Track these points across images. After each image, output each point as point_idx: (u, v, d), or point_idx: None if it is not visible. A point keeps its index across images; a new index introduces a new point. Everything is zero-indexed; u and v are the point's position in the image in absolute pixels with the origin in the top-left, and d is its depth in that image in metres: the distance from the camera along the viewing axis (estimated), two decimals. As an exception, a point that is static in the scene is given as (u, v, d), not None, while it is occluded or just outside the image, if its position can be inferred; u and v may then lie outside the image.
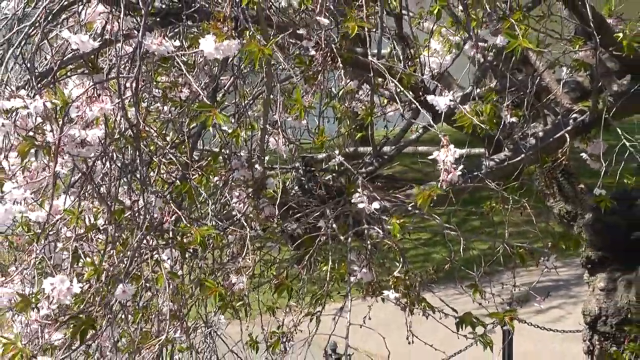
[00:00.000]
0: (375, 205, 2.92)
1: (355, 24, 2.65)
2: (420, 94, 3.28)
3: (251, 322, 3.67)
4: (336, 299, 3.47)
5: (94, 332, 2.72)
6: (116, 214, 2.81)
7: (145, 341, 3.03)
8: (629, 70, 3.79)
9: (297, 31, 2.90)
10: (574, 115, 3.63)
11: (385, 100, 4.24)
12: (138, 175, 2.84)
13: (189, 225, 2.82)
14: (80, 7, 2.69)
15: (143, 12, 2.62)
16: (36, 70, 2.66)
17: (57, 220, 2.66)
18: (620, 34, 3.58)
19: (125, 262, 2.80)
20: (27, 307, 2.45)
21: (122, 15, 2.65)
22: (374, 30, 3.12)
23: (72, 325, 2.63)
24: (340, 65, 2.83)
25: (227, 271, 3.23)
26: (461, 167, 2.72)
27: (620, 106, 3.64)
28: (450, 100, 2.97)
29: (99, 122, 2.52)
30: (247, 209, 3.20)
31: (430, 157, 2.76)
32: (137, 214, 2.83)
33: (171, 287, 2.87)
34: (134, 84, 2.65)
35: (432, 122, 3.05)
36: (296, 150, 3.48)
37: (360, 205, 2.95)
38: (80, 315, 2.64)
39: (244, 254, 3.13)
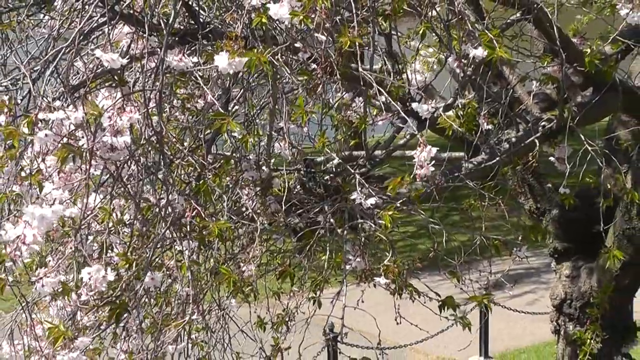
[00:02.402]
0: (371, 200, 2.92)
1: (348, 39, 2.65)
2: (407, 104, 3.29)
3: (259, 305, 3.67)
4: (333, 285, 3.47)
5: (127, 314, 2.73)
6: (141, 210, 2.82)
7: (166, 322, 3.03)
8: (590, 84, 3.80)
9: (296, 45, 2.90)
10: (543, 123, 3.63)
11: (376, 110, 4.24)
12: (160, 176, 2.84)
13: (205, 219, 2.82)
14: (109, 28, 2.68)
15: (165, 32, 2.63)
16: (70, 84, 2.66)
17: (89, 216, 2.66)
18: (586, 51, 3.59)
19: (149, 253, 2.80)
20: (68, 293, 2.45)
21: (146, 35, 2.66)
22: (367, 48, 3.12)
23: (109, 309, 2.63)
24: (338, 78, 2.83)
25: (237, 260, 3.23)
26: (441, 168, 2.73)
27: (583, 115, 3.64)
28: (432, 107, 2.98)
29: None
30: (256, 206, 3.20)
31: (409, 154, 2.77)
32: (159, 210, 2.83)
33: (190, 274, 2.87)
34: (156, 96, 2.65)
35: (417, 129, 3.06)
36: (298, 154, 3.48)
37: (358, 201, 2.95)
38: (116, 300, 2.64)
39: (252, 245, 3.13)
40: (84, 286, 2.45)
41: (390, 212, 2.88)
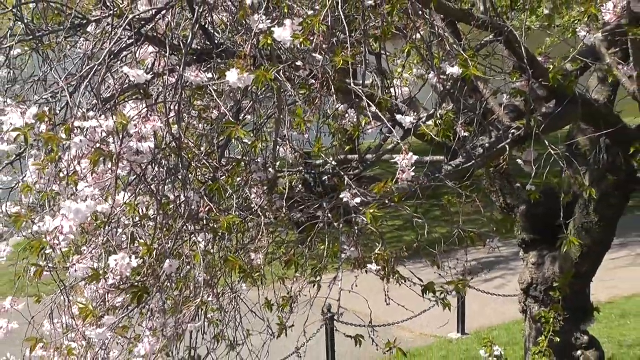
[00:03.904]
0: (357, 200, 2.92)
1: (342, 59, 2.65)
2: (395, 114, 3.28)
3: (266, 288, 3.66)
4: (331, 271, 3.46)
5: (147, 297, 2.72)
6: (163, 206, 2.81)
7: (185, 304, 3.03)
8: (554, 97, 3.80)
9: (297, 63, 2.90)
10: (512, 131, 3.63)
11: (367, 120, 4.24)
12: (180, 177, 2.84)
13: (218, 214, 2.82)
14: (136, 48, 2.68)
15: (184, 52, 2.63)
16: (101, 97, 2.66)
17: (118, 211, 2.66)
18: (550, 68, 3.59)
19: (170, 243, 2.80)
20: (97, 278, 2.45)
21: (167, 55, 2.65)
22: (359, 65, 3.12)
23: (131, 292, 2.63)
24: (334, 92, 2.83)
25: (247, 250, 3.23)
26: (424, 170, 2.73)
27: (548, 124, 3.64)
28: (414, 119, 2.98)
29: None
30: (263, 202, 3.20)
31: (396, 158, 2.77)
32: (179, 206, 2.83)
33: (205, 262, 2.86)
34: (176, 107, 2.65)
35: (402, 137, 3.06)
36: (300, 157, 3.47)
37: (345, 200, 2.95)
38: (137, 284, 2.64)
39: (260, 237, 3.13)
40: (111, 271, 2.44)
41: (371, 210, 2.88)
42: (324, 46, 2.55)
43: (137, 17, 2.66)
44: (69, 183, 2.43)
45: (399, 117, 2.98)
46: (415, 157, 2.70)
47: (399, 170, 2.69)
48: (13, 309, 2.84)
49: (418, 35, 3.22)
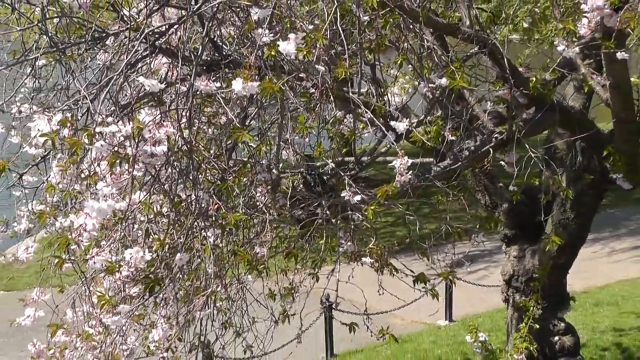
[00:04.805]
0: (357, 197, 2.93)
1: (343, 70, 2.65)
2: (388, 120, 3.29)
3: (270, 279, 3.67)
4: (329, 263, 3.46)
5: (160, 287, 2.72)
6: (175, 204, 2.81)
7: (196, 294, 3.03)
8: (533, 104, 3.80)
9: (300, 75, 2.90)
10: (496, 135, 3.63)
11: (363, 125, 4.25)
12: (190, 177, 2.84)
13: (226, 212, 2.82)
14: (150, 59, 2.69)
15: (194, 62, 2.63)
16: (119, 104, 2.66)
17: (134, 209, 2.67)
18: (530, 78, 3.59)
19: (182, 238, 2.80)
20: (113, 270, 2.45)
21: (179, 65, 2.66)
22: (356, 75, 3.12)
23: (145, 283, 2.63)
24: (332, 99, 2.84)
25: (253, 244, 3.23)
26: (415, 171, 2.74)
27: (528, 129, 3.65)
28: (407, 125, 2.98)
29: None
30: (267, 201, 3.20)
31: (390, 165, 2.78)
32: (190, 204, 2.83)
33: (214, 255, 2.87)
34: (187, 113, 2.65)
35: (395, 141, 3.06)
36: (301, 159, 3.48)
37: (347, 198, 2.96)
38: (150, 276, 2.64)
39: (264, 232, 3.13)
40: (126, 264, 2.45)
41: (372, 207, 2.89)
42: (324, 58, 2.55)
43: (152, 31, 2.66)
44: (90, 183, 2.44)
45: (392, 123, 2.98)
46: (410, 161, 2.71)
47: (397, 173, 2.70)
48: (39, 299, 2.84)
49: (408, 47, 3.23)
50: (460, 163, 3.46)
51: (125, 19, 2.84)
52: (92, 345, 2.67)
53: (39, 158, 2.95)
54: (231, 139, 2.96)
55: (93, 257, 2.43)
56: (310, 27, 2.69)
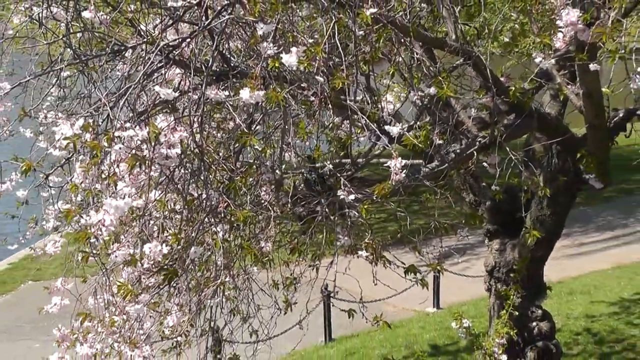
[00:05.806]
0: (352, 197, 2.92)
1: (340, 80, 2.65)
2: (381, 125, 3.28)
3: (273, 271, 3.67)
4: (328, 256, 3.47)
5: (175, 278, 2.72)
6: (188, 202, 2.81)
7: (206, 283, 3.03)
8: (514, 110, 3.80)
9: (301, 85, 2.90)
10: (479, 139, 3.63)
11: (358, 130, 4.24)
12: (202, 177, 2.83)
13: (234, 209, 2.82)
14: (165, 70, 2.68)
15: (205, 73, 2.62)
16: (137, 111, 2.65)
17: (150, 206, 2.66)
18: (511, 87, 3.59)
19: (194, 233, 2.79)
20: (134, 262, 2.44)
21: (191, 75, 2.65)
22: (352, 84, 3.12)
23: (163, 274, 2.62)
24: (330, 107, 2.83)
25: (258, 238, 3.23)
26: (406, 171, 2.73)
27: (509, 133, 3.64)
28: (399, 129, 2.97)
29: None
30: (271, 199, 3.20)
31: (385, 165, 2.77)
32: (201, 202, 2.82)
33: (223, 248, 2.86)
34: (199, 119, 2.65)
35: (388, 144, 3.06)
36: (302, 161, 3.47)
37: (342, 197, 2.95)
38: (167, 268, 2.64)
39: (269, 228, 3.13)
40: (145, 257, 2.44)
41: (365, 206, 2.88)
42: (323, 69, 2.54)
43: (167, 44, 2.65)
44: (110, 183, 2.43)
45: (387, 127, 2.98)
46: (404, 162, 2.70)
47: (392, 173, 2.69)
48: (64, 288, 2.84)
49: (400, 59, 3.22)
50: (447, 164, 3.46)
51: (142, 33, 2.83)
52: (112, 330, 2.66)
53: (63, 160, 2.94)
54: (238, 142, 2.95)
55: (115, 251, 2.42)
56: (311, 41, 2.69)
